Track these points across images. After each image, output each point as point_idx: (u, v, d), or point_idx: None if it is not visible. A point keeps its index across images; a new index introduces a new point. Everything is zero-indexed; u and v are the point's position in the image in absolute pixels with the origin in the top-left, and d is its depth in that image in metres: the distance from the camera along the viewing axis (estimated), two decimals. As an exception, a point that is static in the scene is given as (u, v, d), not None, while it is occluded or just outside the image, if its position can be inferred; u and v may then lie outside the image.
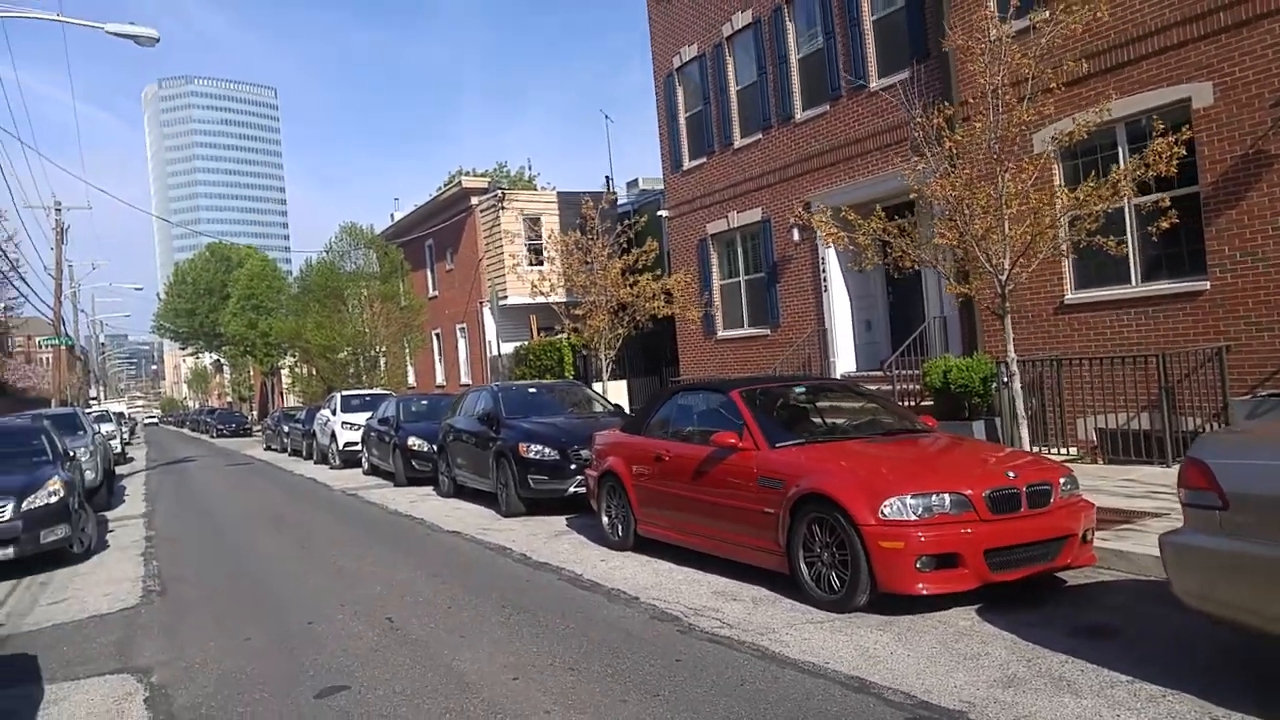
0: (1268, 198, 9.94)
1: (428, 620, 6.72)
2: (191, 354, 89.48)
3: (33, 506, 10.19)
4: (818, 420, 7.97)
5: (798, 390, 8.58)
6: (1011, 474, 6.01)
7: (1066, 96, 11.19)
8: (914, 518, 5.68)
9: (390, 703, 4.97)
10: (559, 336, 22.73)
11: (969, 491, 5.77)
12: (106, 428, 25.67)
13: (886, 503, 5.73)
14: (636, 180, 34.52)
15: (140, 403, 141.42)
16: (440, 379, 35.04)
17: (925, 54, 14.28)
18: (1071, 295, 12.28)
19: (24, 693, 5.69)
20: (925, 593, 5.66)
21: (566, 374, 24.35)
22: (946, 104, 10.58)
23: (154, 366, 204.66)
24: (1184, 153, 9.23)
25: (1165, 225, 9.39)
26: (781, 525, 6.39)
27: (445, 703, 4.91)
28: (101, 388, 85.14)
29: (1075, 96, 11.51)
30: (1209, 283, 10.59)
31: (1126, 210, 11.23)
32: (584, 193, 23.10)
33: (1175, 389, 10.82)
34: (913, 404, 13.45)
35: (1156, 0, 10.93)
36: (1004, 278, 9.22)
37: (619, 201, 31.11)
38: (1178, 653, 4.78)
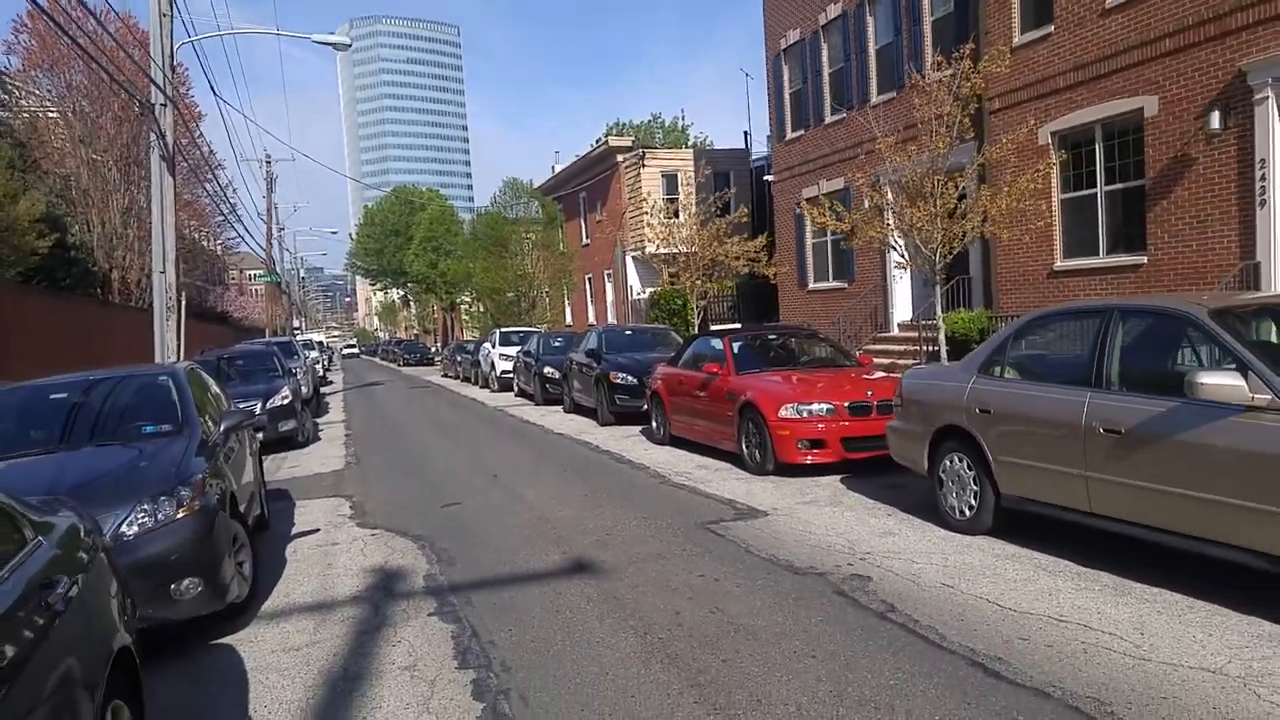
0: (1189, 193, 12.43)
1: (517, 476, 10.73)
2: (380, 289, 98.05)
3: (272, 406, 14.93)
4: (777, 357, 11.39)
5: (770, 337, 12.07)
6: (870, 392, 9.35)
7: (1066, 98, 14.06)
8: (798, 417, 9.15)
9: (482, 511, 8.96)
10: (684, 285, 26.40)
11: (837, 402, 9.19)
12: (312, 354, 31.40)
13: (783, 408, 9.23)
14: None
15: (336, 333, 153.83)
16: (591, 318, 39.41)
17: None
18: (1060, 263, 14.93)
19: (285, 504, 10.08)
20: (809, 462, 9.14)
21: (690, 318, 28.01)
22: (894, 133, 13.67)
23: (347, 299, 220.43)
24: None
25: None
26: (735, 423, 9.98)
27: (511, 509, 8.87)
28: (302, 319, 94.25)
29: (1070, 100, 14.21)
30: (1146, 258, 13.15)
31: (1099, 196, 13.89)
32: (720, 150, 26.35)
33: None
34: (936, 349, 16.41)
35: (1125, 23, 13.36)
36: (935, 258, 12.30)
37: (753, 156, 34.22)
38: (920, 494, 8.07)
